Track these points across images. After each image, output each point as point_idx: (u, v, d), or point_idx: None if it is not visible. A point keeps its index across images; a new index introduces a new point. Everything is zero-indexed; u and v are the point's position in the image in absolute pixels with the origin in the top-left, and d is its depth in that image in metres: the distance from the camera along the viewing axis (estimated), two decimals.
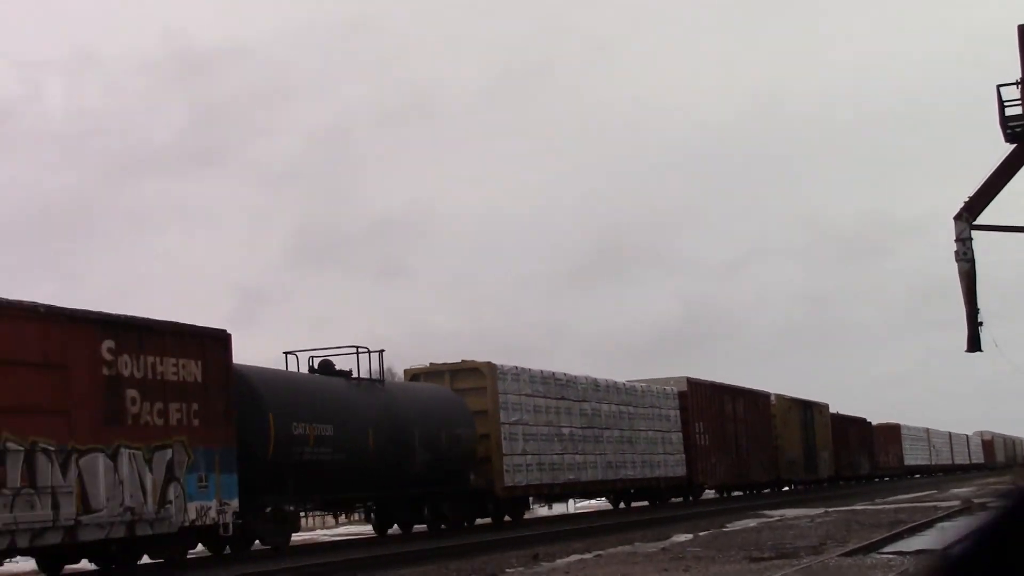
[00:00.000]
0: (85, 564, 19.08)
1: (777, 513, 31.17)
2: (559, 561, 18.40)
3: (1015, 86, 27.39)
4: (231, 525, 19.69)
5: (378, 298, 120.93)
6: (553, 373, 32.18)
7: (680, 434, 39.73)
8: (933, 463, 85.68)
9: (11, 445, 15.82)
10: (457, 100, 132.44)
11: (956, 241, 26.97)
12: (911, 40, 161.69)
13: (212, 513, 19.27)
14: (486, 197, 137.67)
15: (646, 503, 39.41)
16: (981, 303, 27.27)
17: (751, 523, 27.22)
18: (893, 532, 20.79)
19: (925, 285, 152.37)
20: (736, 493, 48.03)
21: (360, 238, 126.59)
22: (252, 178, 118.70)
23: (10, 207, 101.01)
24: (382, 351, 25.15)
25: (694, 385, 41.67)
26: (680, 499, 41.84)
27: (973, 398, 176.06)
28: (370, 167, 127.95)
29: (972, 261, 26.91)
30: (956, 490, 45.16)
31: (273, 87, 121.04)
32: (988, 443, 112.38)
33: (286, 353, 24.19)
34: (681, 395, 40.40)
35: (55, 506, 16.37)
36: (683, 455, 39.74)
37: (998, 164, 27.07)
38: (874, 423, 70.74)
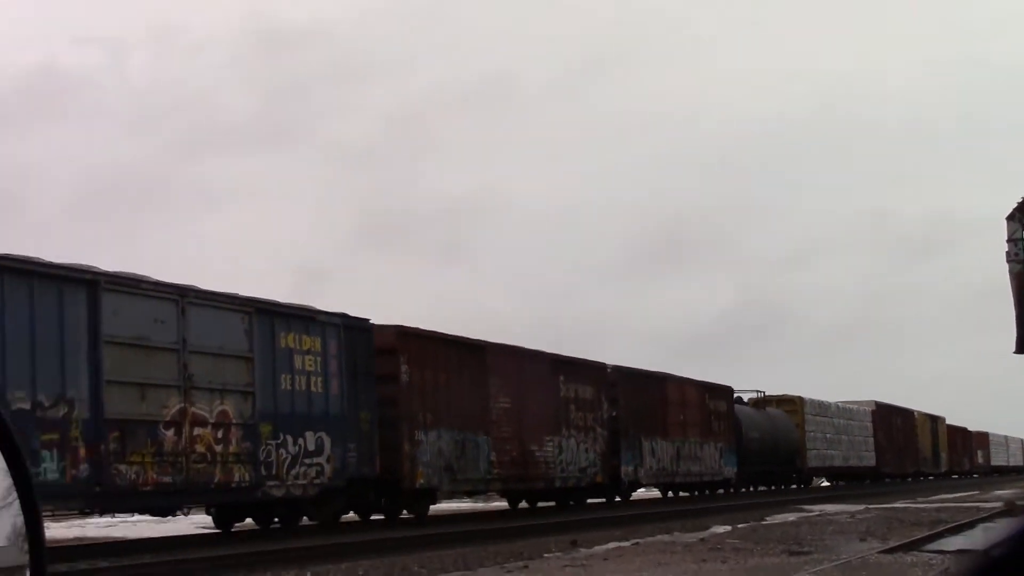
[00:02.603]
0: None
1: (817, 508, 31.57)
2: (597, 548, 18.50)
3: None
4: (733, 480, 41.35)
5: (440, 281, 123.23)
6: (821, 401, 53.55)
7: (872, 439, 61.02)
8: (1010, 464, 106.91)
9: (697, 440, 37.48)
10: (531, 87, 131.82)
11: (1008, 242, 26.35)
12: (977, 40, 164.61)
13: (729, 473, 40.88)
14: (553, 185, 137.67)
15: (843, 483, 60.62)
16: None
17: (790, 517, 27.39)
18: (934, 531, 20.64)
19: (984, 285, 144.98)
20: (887, 480, 69.03)
21: (426, 220, 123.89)
22: (324, 157, 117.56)
23: (86, 178, 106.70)
24: (755, 391, 46.79)
25: (879, 406, 62.97)
26: (868, 480, 62.96)
27: None
28: (441, 150, 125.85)
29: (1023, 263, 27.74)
30: (999, 491, 45.28)
31: (350, 68, 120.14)
32: None
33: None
34: (872, 412, 61.71)
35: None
36: (874, 453, 61.04)
37: None
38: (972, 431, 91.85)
